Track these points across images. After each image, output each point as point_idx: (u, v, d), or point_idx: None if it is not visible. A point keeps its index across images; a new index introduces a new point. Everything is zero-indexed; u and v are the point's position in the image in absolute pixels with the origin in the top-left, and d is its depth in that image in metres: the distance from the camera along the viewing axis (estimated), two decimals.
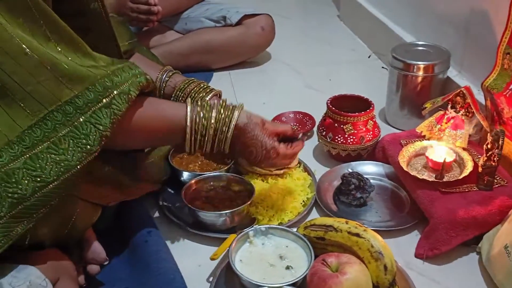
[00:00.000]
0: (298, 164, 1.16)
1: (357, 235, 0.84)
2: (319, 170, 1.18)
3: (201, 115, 0.86)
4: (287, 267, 0.86)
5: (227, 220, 0.98)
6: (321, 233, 0.88)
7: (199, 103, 0.87)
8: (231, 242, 0.93)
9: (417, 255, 0.95)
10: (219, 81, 1.65)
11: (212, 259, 0.88)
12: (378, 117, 1.41)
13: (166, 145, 1.04)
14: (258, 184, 1.07)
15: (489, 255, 0.88)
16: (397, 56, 1.27)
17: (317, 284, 0.78)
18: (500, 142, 0.94)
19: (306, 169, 1.16)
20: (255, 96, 1.55)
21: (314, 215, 1.06)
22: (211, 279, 0.90)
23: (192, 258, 0.95)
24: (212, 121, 0.87)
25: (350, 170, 1.11)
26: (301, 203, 1.06)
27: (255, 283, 0.81)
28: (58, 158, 0.69)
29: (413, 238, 0.99)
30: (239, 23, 1.65)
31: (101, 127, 0.72)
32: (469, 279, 0.90)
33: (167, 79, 1.07)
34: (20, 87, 0.67)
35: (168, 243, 0.96)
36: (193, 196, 1.03)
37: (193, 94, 1.06)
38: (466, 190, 0.98)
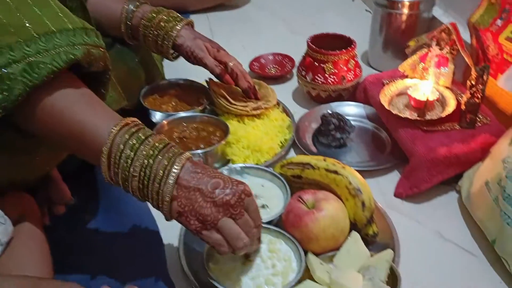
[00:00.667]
0: (277, 105, 1.11)
1: (335, 172, 0.80)
2: (298, 111, 1.13)
3: (125, 149, 0.61)
4: (262, 206, 0.82)
5: (200, 161, 0.94)
6: (298, 171, 0.84)
7: (130, 127, 0.62)
8: None
9: (396, 194, 0.92)
10: (196, 24, 1.57)
11: None
12: (361, 60, 1.36)
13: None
14: (233, 125, 1.02)
15: (469, 193, 0.86)
16: None
17: (293, 221, 0.75)
18: (485, 77, 0.90)
19: (285, 110, 1.12)
20: (234, 39, 1.48)
21: (292, 156, 1.03)
22: None
23: None
24: (138, 163, 0.61)
25: (330, 111, 1.06)
26: (279, 144, 1.02)
27: None
28: None
29: (393, 178, 0.96)
30: None
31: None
32: (449, 217, 0.88)
33: (134, 9, 0.99)
34: None
35: None
36: (166, 138, 0.97)
37: (162, 24, 0.99)
38: (449, 129, 0.95)
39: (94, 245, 0.80)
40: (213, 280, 0.69)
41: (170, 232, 0.82)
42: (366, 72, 1.24)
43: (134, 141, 0.61)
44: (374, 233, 0.79)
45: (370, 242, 0.78)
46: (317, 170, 0.82)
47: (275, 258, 0.73)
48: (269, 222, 0.78)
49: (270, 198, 0.84)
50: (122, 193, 0.85)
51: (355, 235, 0.76)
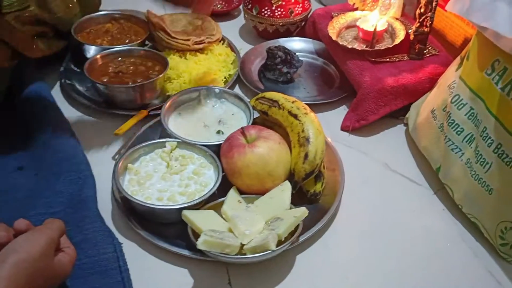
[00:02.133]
0: (222, 41, 1.05)
1: (295, 116, 0.74)
2: (245, 48, 1.08)
3: None
4: (218, 132, 0.80)
5: (137, 96, 0.88)
6: (266, 107, 0.79)
7: None
8: (140, 118, 0.84)
9: (343, 127, 0.90)
10: None
11: (115, 134, 0.79)
12: None
13: None
14: (174, 60, 0.96)
15: (416, 123, 0.84)
16: None
17: (224, 151, 0.72)
18: (434, 4, 0.87)
19: (230, 46, 1.06)
20: None
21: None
22: (116, 156, 0.81)
23: (98, 137, 0.84)
24: None
25: (277, 45, 1.01)
26: (222, 80, 0.96)
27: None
28: None
29: (341, 111, 0.93)
30: None
31: None
32: (395, 149, 0.86)
33: None
34: None
35: (70, 123, 0.85)
36: (100, 72, 0.90)
37: None
38: (397, 60, 0.92)
39: (18, 183, 0.73)
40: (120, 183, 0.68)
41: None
42: (317, 7, 1.19)
43: None
44: (314, 191, 0.72)
45: (311, 200, 0.73)
46: (281, 110, 0.76)
47: (193, 180, 0.71)
48: (207, 146, 0.75)
49: (231, 127, 0.81)
50: (49, 127, 0.79)
51: (286, 184, 0.70)
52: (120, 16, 1.05)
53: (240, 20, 1.19)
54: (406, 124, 0.90)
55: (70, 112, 0.90)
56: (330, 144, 0.82)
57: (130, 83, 0.88)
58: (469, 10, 0.71)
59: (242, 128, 0.73)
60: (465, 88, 0.72)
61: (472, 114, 0.71)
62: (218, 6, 1.22)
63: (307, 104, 0.82)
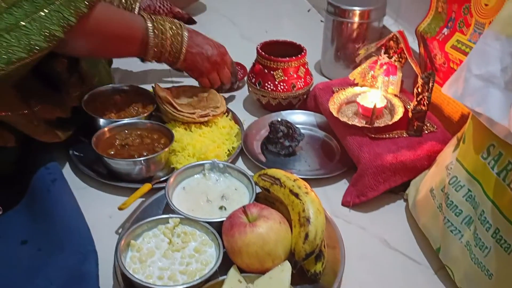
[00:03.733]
0: (226, 113, 1.08)
1: (296, 195, 0.75)
2: (249, 120, 1.11)
3: (158, 23, 0.96)
4: (221, 207, 0.81)
5: (142, 169, 0.90)
6: (268, 184, 0.81)
7: (149, 15, 0.96)
8: (144, 192, 0.86)
9: (343, 203, 0.91)
10: None
11: (120, 209, 0.81)
12: (314, 69, 1.35)
13: (122, 54, 1.04)
14: (180, 132, 0.99)
15: (415, 200, 0.85)
16: (332, 2, 1.21)
17: (226, 228, 0.72)
18: (430, 84, 0.90)
19: (234, 118, 1.09)
20: None
21: (240, 165, 1.00)
22: (120, 230, 0.82)
23: (103, 209, 0.86)
24: (168, 26, 0.98)
25: (279, 119, 1.04)
26: (226, 153, 0.99)
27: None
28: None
29: (341, 186, 0.95)
30: None
31: (67, 16, 0.76)
32: (396, 225, 0.87)
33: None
34: None
35: (77, 195, 0.86)
36: (106, 145, 0.93)
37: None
38: (396, 136, 0.94)
39: (21, 257, 0.74)
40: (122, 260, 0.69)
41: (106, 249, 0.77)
42: (318, 80, 1.23)
43: (159, 20, 0.97)
44: (315, 271, 0.72)
45: (311, 280, 0.73)
46: (283, 188, 0.78)
47: (194, 258, 0.72)
48: (210, 223, 0.76)
49: (234, 203, 0.82)
50: (55, 201, 0.81)
51: (286, 264, 0.71)
52: (127, 89, 1.09)
53: (244, 91, 1.23)
54: (406, 200, 0.91)
55: (76, 183, 0.92)
56: (330, 220, 0.83)
57: (136, 156, 0.90)
58: (463, 94, 0.74)
59: (244, 206, 0.75)
60: (462, 170, 0.74)
61: (470, 197, 0.72)
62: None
63: (308, 178, 0.84)
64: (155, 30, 0.95)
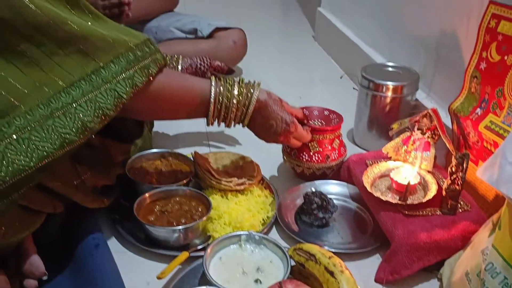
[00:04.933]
0: (261, 181, 1.12)
1: (331, 273, 0.77)
2: (283, 188, 1.14)
3: (225, 88, 0.96)
4: (256, 280, 0.83)
5: (180, 237, 0.93)
6: (303, 260, 0.83)
7: (221, 79, 0.97)
8: (181, 261, 0.88)
9: (377, 279, 0.91)
10: None
11: (158, 278, 0.83)
12: (346, 137, 1.39)
13: (188, 117, 1.00)
14: (216, 200, 1.02)
15: (450, 281, 0.85)
16: (366, 76, 1.25)
17: None
18: (465, 165, 0.92)
19: (269, 187, 1.12)
20: None
21: (274, 234, 1.02)
22: None
23: (141, 275, 0.89)
24: (235, 92, 0.97)
25: (314, 189, 1.07)
26: (261, 222, 1.01)
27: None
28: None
29: (374, 261, 0.96)
30: (210, 35, 1.62)
31: (122, 94, 0.79)
32: None
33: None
34: (49, 58, 0.73)
35: (117, 259, 0.89)
36: (147, 211, 0.97)
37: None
38: (429, 214, 0.95)
39: None
40: None
41: None
42: (352, 149, 1.26)
43: (228, 86, 0.97)
44: None
45: None
46: (318, 265, 0.80)
47: None
48: None
49: (269, 276, 0.84)
50: (98, 266, 0.84)
51: None
52: (168, 154, 1.14)
53: (278, 158, 1.26)
54: (440, 280, 0.91)
55: (116, 247, 0.95)
56: None
57: (174, 223, 0.93)
58: (498, 180, 0.75)
59: (280, 282, 0.76)
60: (498, 257, 0.74)
61: (506, 284, 0.72)
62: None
63: (341, 253, 0.85)
64: (218, 96, 0.95)
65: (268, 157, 1.27)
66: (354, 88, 1.70)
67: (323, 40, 2.10)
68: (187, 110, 0.96)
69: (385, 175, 1.06)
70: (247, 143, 1.34)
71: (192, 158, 1.11)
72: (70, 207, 0.90)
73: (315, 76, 1.84)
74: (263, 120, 1.01)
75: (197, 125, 1.34)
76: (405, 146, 1.08)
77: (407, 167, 1.04)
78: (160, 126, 1.35)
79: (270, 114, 1.01)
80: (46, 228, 0.83)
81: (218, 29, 1.62)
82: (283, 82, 1.75)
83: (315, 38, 2.17)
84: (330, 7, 2.03)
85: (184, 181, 1.05)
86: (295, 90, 1.67)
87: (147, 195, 0.99)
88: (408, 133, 1.10)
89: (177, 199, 1.00)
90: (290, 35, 2.29)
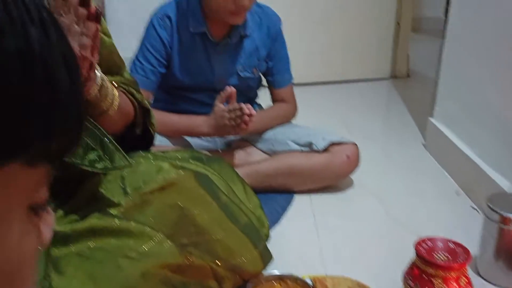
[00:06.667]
0: None
1: None
2: None
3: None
4: None
5: None
6: None
7: None
8: None
9: None
10: (299, 204, 1.64)
11: None
12: (469, 266, 1.31)
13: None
14: None
15: None
16: (493, 208, 1.20)
17: None
18: None
19: None
20: (334, 224, 1.52)
21: None
22: None
23: None
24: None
25: None
26: None
27: None
28: None
29: None
30: (325, 149, 1.66)
31: None
32: None
33: None
34: None
35: None
36: None
37: None
38: None
39: None
40: None
41: None
42: (475, 281, 1.19)
43: None
44: None
45: None
46: None
47: None
48: None
49: None
50: None
51: None
52: (286, 277, 1.15)
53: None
54: None
55: None
56: None
57: None
58: None
59: None
60: None
61: None
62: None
63: None
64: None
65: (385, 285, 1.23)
66: (472, 207, 1.63)
67: (434, 150, 2.05)
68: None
69: None
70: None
71: (311, 283, 1.11)
72: None
73: (427, 189, 1.79)
74: None
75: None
76: None
77: None
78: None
79: None
80: None
81: (332, 144, 1.66)
82: (394, 194, 1.73)
83: (425, 147, 2.14)
84: (443, 119, 2.00)
85: None
86: (407, 204, 1.64)
87: None
88: None
89: None
90: (399, 141, 2.28)
